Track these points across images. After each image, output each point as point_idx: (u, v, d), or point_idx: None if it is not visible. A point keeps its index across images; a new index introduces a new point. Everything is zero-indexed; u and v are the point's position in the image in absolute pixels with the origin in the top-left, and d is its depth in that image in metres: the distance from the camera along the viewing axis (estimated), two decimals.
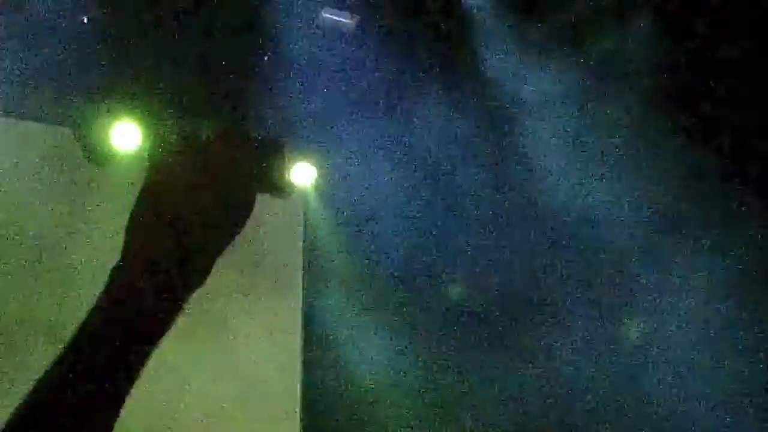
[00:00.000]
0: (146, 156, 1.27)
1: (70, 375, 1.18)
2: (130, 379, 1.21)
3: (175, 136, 1.27)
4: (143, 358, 1.22)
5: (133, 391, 1.21)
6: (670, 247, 5.95)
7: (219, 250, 1.26)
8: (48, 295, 5.88)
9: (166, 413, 6.24)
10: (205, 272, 1.26)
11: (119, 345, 1.20)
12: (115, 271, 1.23)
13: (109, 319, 1.20)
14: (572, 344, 6.22)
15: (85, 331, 1.20)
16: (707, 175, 5.82)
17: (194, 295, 1.26)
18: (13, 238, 6.01)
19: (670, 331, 5.99)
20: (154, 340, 1.23)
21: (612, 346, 6.23)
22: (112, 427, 1.19)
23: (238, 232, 1.26)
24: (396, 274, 6.77)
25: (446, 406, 6.55)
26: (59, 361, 1.19)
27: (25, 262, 6.03)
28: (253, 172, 1.26)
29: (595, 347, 6.23)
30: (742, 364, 5.85)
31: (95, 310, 1.21)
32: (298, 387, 6.87)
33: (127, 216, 1.25)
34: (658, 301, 6.12)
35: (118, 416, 1.20)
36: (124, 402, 1.20)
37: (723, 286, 5.77)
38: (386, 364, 6.67)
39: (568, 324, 6.24)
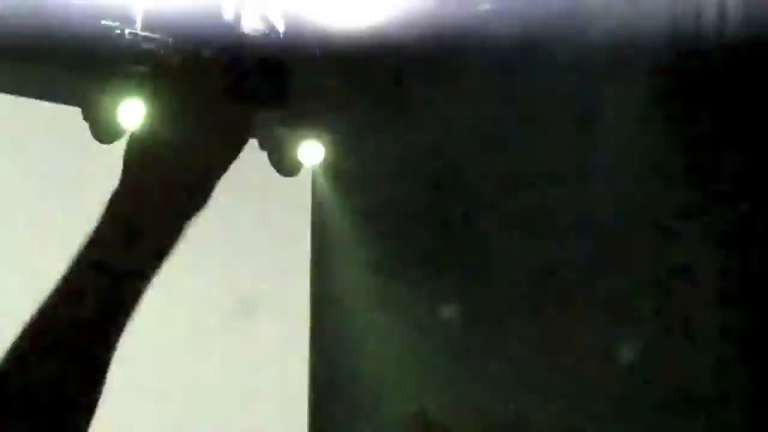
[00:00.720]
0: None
1: (59, 310, 1.16)
2: (126, 313, 1.17)
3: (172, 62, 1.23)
4: (139, 291, 1.18)
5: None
6: None
7: (219, 173, 1.23)
8: (54, 273, 5.87)
9: (172, 402, 6.25)
10: (203, 198, 1.22)
11: (114, 276, 1.17)
12: (110, 200, 1.21)
13: (102, 246, 1.18)
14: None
15: (77, 261, 1.18)
16: None
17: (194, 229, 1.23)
18: (17, 217, 6.05)
19: None
20: (152, 272, 1.19)
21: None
22: (107, 365, 1.16)
23: (235, 156, 1.22)
24: (407, 257, 6.74)
25: (460, 394, 6.50)
26: (48, 299, 1.17)
27: (32, 241, 6.06)
28: (247, 97, 1.22)
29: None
30: None
31: (90, 237, 1.19)
32: (307, 376, 6.87)
33: None
34: None
35: (111, 356, 1.17)
36: (119, 338, 1.17)
37: None
38: (398, 347, 6.64)
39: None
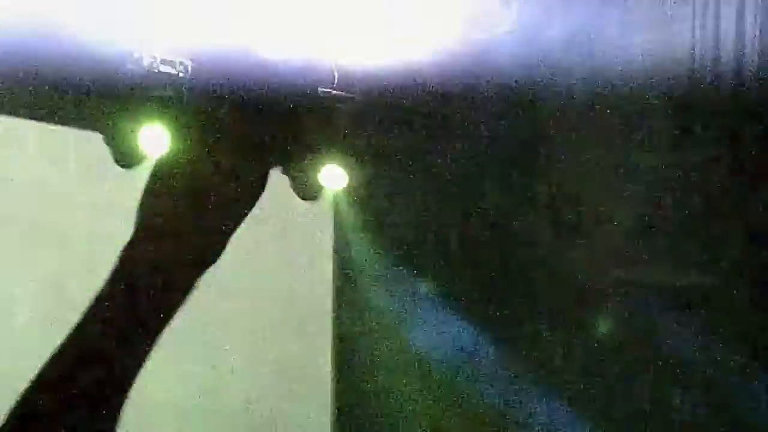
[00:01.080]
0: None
1: (74, 362, 1.14)
2: (139, 362, 1.16)
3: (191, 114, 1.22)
4: (154, 338, 1.17)
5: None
6: None
7: (233, 227, 1.21)
8: (77, 299, 5.88)
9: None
10: (218, 249, 1.21)
11: (128, 325, 1.16)
12: (125, 249, 1.19)
13: (117, 298, 1.17)
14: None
15: (91, 312, 1.17)
16: None
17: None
18: (43, 240, 6.10)
19: None
20: (165, 321, 1.18)
21: None
22: (118, 415, 1.15)
23: (250, 209, 1.21)
24: (431, 281, 6.73)
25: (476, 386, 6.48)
26: (62, 347, 1.16)
27: (58, 263, 6.10)
28: (266, 146, 1.21)
29: None
30: None
31: (103, 290, 1.18)
32: (329, 399, 6.87)
33: None
34: None
35: (124, 402, 1.16)
36: (131, 387, 1.16)
37: None
38: (420, 368, 6.63)
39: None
